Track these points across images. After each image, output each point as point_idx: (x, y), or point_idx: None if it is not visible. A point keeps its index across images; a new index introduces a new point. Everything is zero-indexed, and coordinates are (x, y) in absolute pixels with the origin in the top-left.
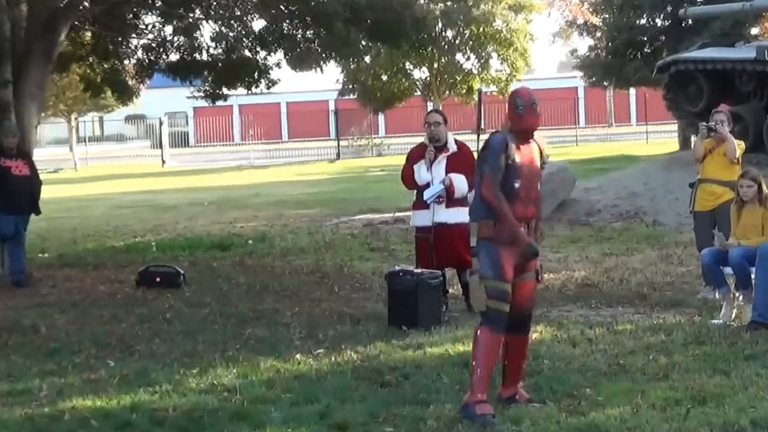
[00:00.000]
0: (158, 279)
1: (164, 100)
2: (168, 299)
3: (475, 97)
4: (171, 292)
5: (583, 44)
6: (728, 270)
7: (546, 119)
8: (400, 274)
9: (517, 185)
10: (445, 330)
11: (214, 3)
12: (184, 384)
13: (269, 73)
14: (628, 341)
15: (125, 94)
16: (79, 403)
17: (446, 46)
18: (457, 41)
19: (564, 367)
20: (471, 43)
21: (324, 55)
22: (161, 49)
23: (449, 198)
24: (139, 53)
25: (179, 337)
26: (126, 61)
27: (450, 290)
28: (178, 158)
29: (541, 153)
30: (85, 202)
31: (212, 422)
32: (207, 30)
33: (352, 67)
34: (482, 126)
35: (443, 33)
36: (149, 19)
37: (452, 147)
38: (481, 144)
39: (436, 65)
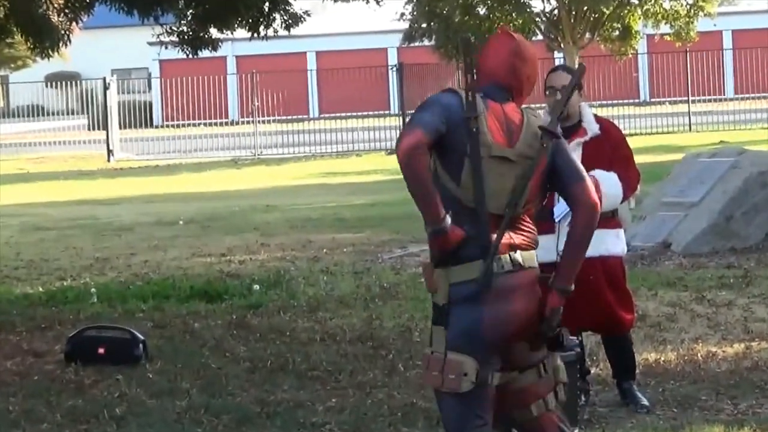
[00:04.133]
0: (101, 350)
1: (111, 50)
2: (118, 384)
3: (636, 45)
4: (123, 371)
5: None
6: None
7: (747, 83)
8: None
9: None
10: None
11: None
12: None
13: (289, 4)
14: None
15: (46, 40)
16: None
17: None
18: None
19: None
20: None
21: None
22: None
23: None
24: None
25: None
26: None
27: (592, 370)
28: (134, 146)
29: None
30: None
31: None
32: None
33: None
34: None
35: None
36: None
37: (591, 128)
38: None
39: None
